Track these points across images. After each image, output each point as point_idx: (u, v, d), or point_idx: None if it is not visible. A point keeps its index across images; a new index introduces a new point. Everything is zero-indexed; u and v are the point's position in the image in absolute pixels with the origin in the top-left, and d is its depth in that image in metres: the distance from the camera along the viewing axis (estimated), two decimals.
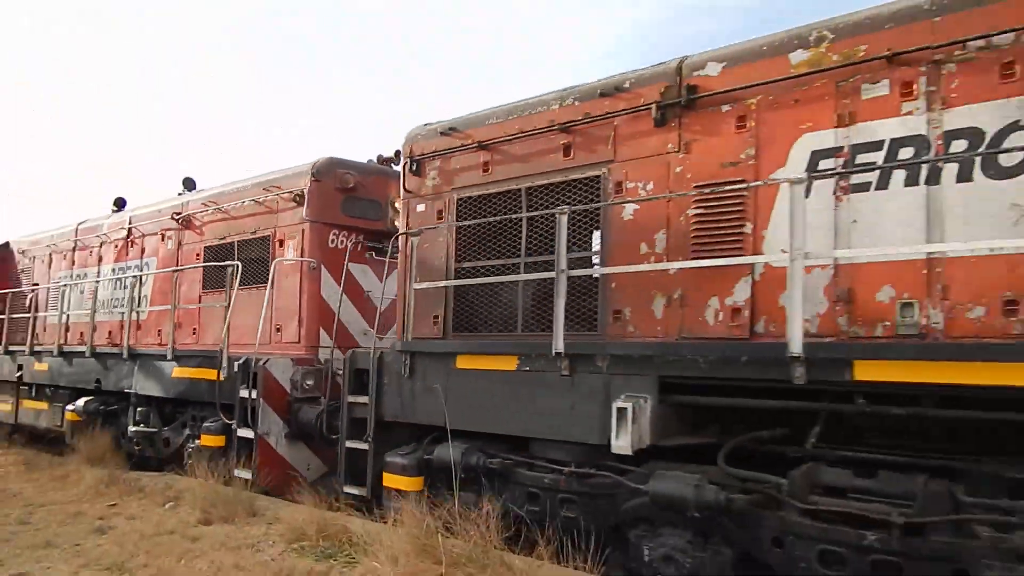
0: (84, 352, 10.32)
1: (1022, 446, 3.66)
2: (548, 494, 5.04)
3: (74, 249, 12.17)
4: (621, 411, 4.47)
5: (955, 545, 3.51)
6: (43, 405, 11.47)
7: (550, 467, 5.10)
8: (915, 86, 4.08)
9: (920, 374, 3.76)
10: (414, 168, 6.66)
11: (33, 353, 11.69)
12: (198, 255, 9.45)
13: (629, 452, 4.40)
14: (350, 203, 8.34)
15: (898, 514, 3.61)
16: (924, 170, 3.95)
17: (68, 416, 10.23)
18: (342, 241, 8.18)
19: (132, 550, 5.26)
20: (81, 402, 10.18)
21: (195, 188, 10.38)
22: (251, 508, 6.20)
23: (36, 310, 12.00)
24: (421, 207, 6.58)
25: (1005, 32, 3.76)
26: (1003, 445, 3.76)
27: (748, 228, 4.47)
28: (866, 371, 3.89)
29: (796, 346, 3.92)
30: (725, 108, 4.79)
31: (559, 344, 4.89)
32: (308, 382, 7.48)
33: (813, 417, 4.17)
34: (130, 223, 10.90)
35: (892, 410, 3.95)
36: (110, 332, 10.52)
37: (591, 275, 5.21)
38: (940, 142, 3.95)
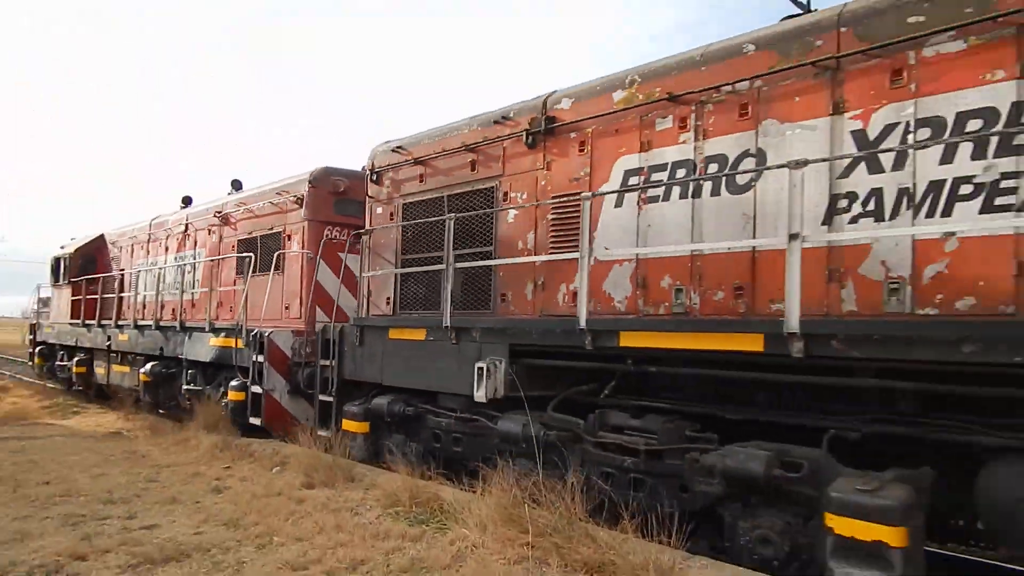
0: (151, 325, 12.55)
1: (747, 396, 5.07)
2: (445, 434, 6.82)
3: (148, 240, 14.56)
4: (480, 370, 6.06)
5: (677, 465, 4.91)
6: (126, 369, 13.76)
7: (447, 413, 6.79)
8: (688, 121, 5.39)
9: (661, 342, 5.11)
10: (374, 178, 8.35)
11: (118, 326, 13.96)
12: (233, 247, 11.36)
13: (484, 400, 6.03)
14: (342, 204, 9.93)
15: (644, 444, 5.08)
16: (691, 186, 5.25)
17: (141, 377, 12.30)
18: (336, 235, 9.57)
19: (245, 508, 5.71)
20: (148, 366, 12.25)
21: (241, 189, 12.29)
22: (349, 474, 6.57)
23: (121, 291, 14.67)
24: (379, 210, 8.28)
25: (742, 80, 5.06)
26: (733, 396, 5.14)
27: (583, 229, 5.54)
28: (627, 339, 5.30)
29: (582, 321, 5.40)
30: (572, 135, 6.25)
31: (447, 319, 6.56)
32: (306, 349, 9.13)
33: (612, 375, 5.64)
34: (187, 219, 13.15)
35: (649, 369, 5.38)
36: (172, 310, 12.59)
37: (490, 265, 6.65)
38: (702, 165, 5.25)
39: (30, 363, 19.75)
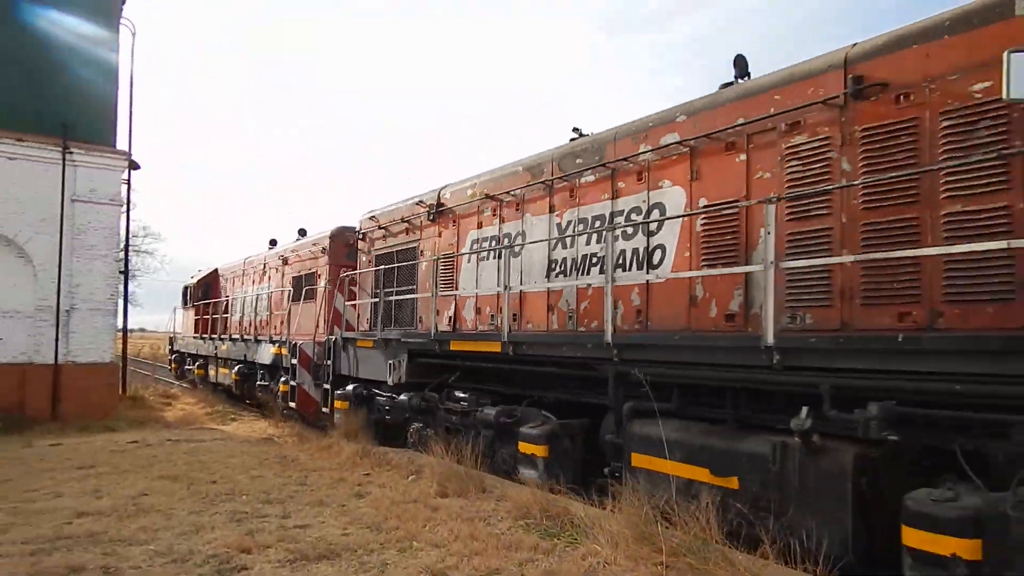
0: (240, 338, 17.85)
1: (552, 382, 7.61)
2: (381, 406, 10.38)
3: (243, 274, 20.07)
4: (390, 365, 9.76)
5: (476, 419, 8.08)
6: (226, 370, 18.92)
7: (383, 394, 10.44)
8: (497, 211, 8.83)
9: (463, 346, 8.58)
10: (361, 236, 12.54)
11: (221, 339, 19.33)
12: (289, 282, 16.21)
13: (392, 385, 9.81)
14: (352, 253, 13.47)
15: (460, 408, 8.58)
16: (497, 252, 8.45)
17: (233, 376, 17.86)
18: (347, 274, 12.79)
19: (385, 513, 6.05)
20: (237, 367, 17.71)
21: (305, 235, 16.73)
22: (481, 485, 6.77)
23: (224, 312, 20.34)
24: (364, 258, 12.43)
25: (516, 189, 8.60)
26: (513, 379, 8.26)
27: (453, 276, 9.50)
28: (454, 345, 8.69)
29: (433, 334, 8.89)
30: (450, 215, 9.87)
31: (378, 334, 10.38)
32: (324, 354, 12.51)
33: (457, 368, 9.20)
34: (265, 259, 18.33)
35: (479, 364, 8.64)
36: (253, 327, 17.72)
37: (412, 298, 10.39)
38: (504, 239, 8.59)
39: (168, 368, 27.02)
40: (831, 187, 4.97)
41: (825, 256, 4.91)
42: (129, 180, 14.34)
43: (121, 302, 14.61)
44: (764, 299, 4.90)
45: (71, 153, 13.05)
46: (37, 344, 12.84)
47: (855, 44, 5.10)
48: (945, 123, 4.39)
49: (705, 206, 6.05)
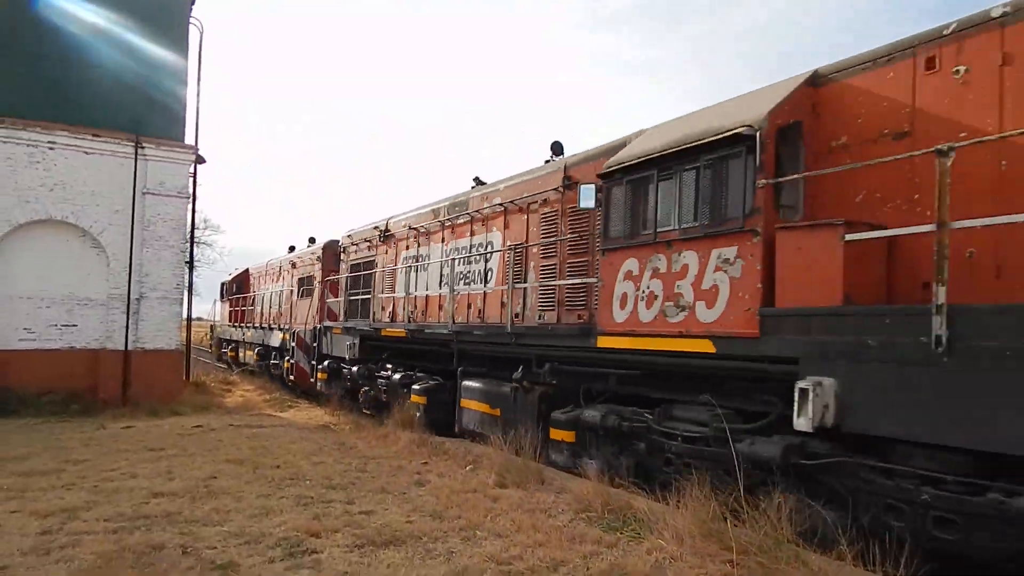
0: (259, 327, 22.42)
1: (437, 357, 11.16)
2: (345, 376, 14.17)
3: (266, 274, 23.93)
4: (348, 345, 13.84)
5: (391, 382, 12.09)
6: (251, 353, 22.97)
7: (346, 367, 14.06)
8: (417, 239, 12.33)
9: (389, 331, 12.43)
10: (341, 250, 15.96)
11: (248, 327, 24.10)
12: (295, 282, 19.80)
13: (348, 359, 13.90)
14: (337, 261, 16.45)
15: (385, 375, 12.53)
16: (415, 268, 12.01)
17: (254, 357, 22.12)
18: (331, 278, 16.52)
19: (446, 503, 6.11)
20: (256, 350, 22.04)
21: (314, 242, 19.94)
22: (540, 477, 6.78)
23: (251, 305, 24.81)
24: (343, 266, 15.66)
25: (423, 223, 12.33)
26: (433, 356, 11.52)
27: (392, 283, 12.92)
28: (386, 331, 12.50)
29: (371, 324, 13.23)
30: (392, 239, 13.24)
31: (342, 324, 14.62)
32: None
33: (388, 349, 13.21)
34: (281, 263, 21.99)
35: (400, 346, 12.59)
36: (271, 317, 21.77)
37: (366, 298, 13.82)
38: (423, 258, 12.03)
39: (209, 350, 32.58)
40: (555, 239, 8.43)
41: (552, 281, 8.30)
42: (195, 173, 14.82)
43: (186, 292, 15.10)
44: (512, 305, 8.85)
45: (142, 148, 13.57)
46: (109, 331, 13.42)
47: (572, 156, 8.71)
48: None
49: (509, 247, 9.19)
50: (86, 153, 13.23)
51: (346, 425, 11.74)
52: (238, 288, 27.09)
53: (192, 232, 15.63)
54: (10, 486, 6.58)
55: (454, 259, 10.52)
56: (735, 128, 5.67)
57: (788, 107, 5.79)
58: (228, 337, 27.43)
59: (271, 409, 14.60)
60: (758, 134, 5.51)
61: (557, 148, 9.63)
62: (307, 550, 4.83)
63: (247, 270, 27.09)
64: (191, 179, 14.70)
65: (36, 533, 5.14)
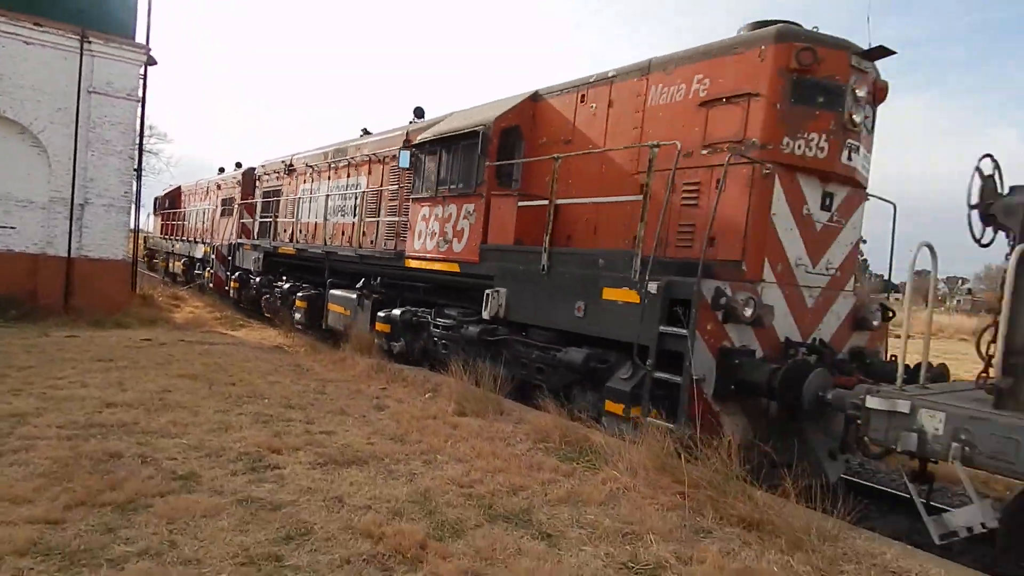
0: (187, 240, 25.54)
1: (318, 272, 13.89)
2: (252, 286, 17.05)
3: (194, 193, 26.93)
4: (253, 259, 16.85)
5: (282, 291, 14.97)
6: (179, 264, 26.08)
7: (252, 277, 17.11)
8: (310, 176, 15.26)
9: (283, 251, 15.26)
10: (257, 177, 18.71)
11: (176, 240, 27.34)
12: (219, 202, 21.82)
13: (253, 271, 16.97)
14: (254, 186, 19.06)
15: (279, 285, 15.24)
16: (306, 199, 15.32)
17: (181, 267, 25.53)
18: (246, 201, 19.27)
19: (406, 427, 6.20)
20: (182, 261, 25.44)
21: (240, 167, 21.30)
22: (499, 407, 6.93)
23: (182, 220, 27.37)
24: (257, 192, 18.41)
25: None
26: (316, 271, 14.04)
27: (293, 210, 15.74)
28: (280, 250, 15.49)
29: (270, 243, 16.21)
30: (294, 173, 16.06)
31: (251, 241, 17.52)
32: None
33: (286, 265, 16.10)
34: (208, 183, 24.50)
35: (292, 261, 15.45)
36: (198, 232, 24.35)
37: (273, 221, 16.75)
38: (311, 191, 15.17)
39: (142, 260, 32.20)
40: (390, 188, 11.46)
41: (385, 218, 11.47)
42: (145, 75, 13.96)
43: (134, 201, 14.44)
44: (366, 235, 11.81)
45: (89, 43, 12.67)
46: (50, 236, 12.82)
47: (414, 123, 11.27)
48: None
49: (366, 190, 12.11)
50: (26, 43, 12.28)
51: (300, 347, 11.68)
52: (171, 204, 30.00)
53: (141, 139, 14.83)
54: None
55: (330, 195, 13.57)
56: (474, 127, 8.66)
57: (511, 115, 8.75)
58: (159, 248, 31.45)
59: (222, 327, 14.36)
60: (486, 132, 8.49)
61: (419, 112, 11.77)
62: (269, 465, 4.86)
63: (179, 187, 30.25)
64: (141, 80, 13.86)
65: None
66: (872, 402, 4.54)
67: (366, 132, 13.53)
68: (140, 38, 13.63)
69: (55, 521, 3.64)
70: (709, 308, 5.65)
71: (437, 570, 3.37)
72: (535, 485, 4.81)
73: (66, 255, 12.88)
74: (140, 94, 13.76)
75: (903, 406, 4.37)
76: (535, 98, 8.84)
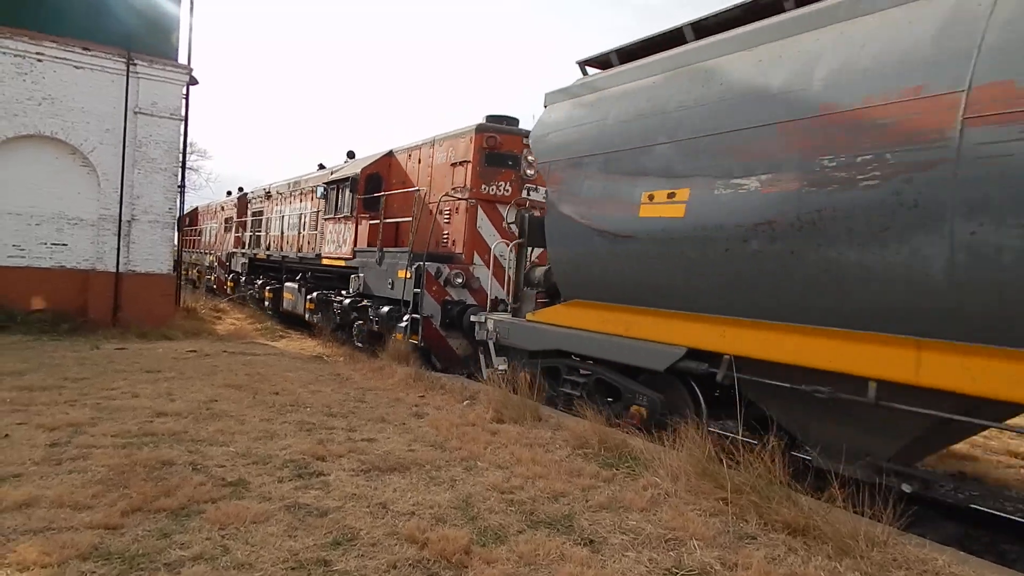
0: (201, 252, 31.02)
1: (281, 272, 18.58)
2: (240, 283, 21.82)
3: (207, 212, 31.96)
4: (242, 264, 21.77)
5: (257, 287, 19.98)
6: (194, 271, 30.58)
7: (241, 278, 21.96)
8: (281, 200, 19.50)
9: (260, 256, 20.11)
10: (248, 201, 23.16)
11: (194, 252, 32.18)
12: (223, 220, 26.67)
13: (239, 272, 21.96)
14: (247, 209, 23.30)
15: (255, 284, 20.09)
16: (278, 218, 19.83)
17: (197, 274, 29.65)
18: (240, 219, 23.87)
19: (446, 434, 6.27)
20: (195, 270, 30.59)
21: (242, 191, 25.28)
22: (537, 414, 6.95)
23: (197, 236, 32.91)
24: (248, 212, 22.70)
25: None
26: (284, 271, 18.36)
27: (269, 227, 20.13)
28: (258, 256, 20.17)
29: (250, 251, 21.18)
30: (271, 198, 20.45)
31: (239, 251, 22.69)
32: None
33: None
34: (215, 206, 29.95)
35: (268, 264, 19.69)
36: (208, 246, 29.68)
37: (255, 235, 21.76)
38: (281, 211, 19.54)
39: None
40: (316, 211, 15.92)
41: (313, 231, 16.09)
42: (188, 95, 14.40)
43: (178, 216, 14.89)
44: (309, 244, 16.14)
45: (135, 65, 13.14)
46: (100, 252, 13.29)
47: (335, 166, 16.07)
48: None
49: (308, 212, 16.24)
50: (76, 67, 12.80)
51: (339, 357, 11.87)
52: (190, 221, 34.09)
53: (184, 156, 15.31)
54: (13, 400, 6.64)
55: (287, 216, 18.10)
56: (350, 175, 13.34)
57: (373, 167, 13.35)
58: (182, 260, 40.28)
59: (262, 338, 14.68)
60: (355, 178, 13.11)
61: (350, 155, 15.77)
62: (314, 472, 4.97)
63: (196, 208, 35.21)
64: (184, 100, 14.31)
65: (45, 445, 5.22)
66: (478, 318, 9.12)
67: (321, 167, 17.39)
68: (182, 59, 14.09)
69: (114, 526, 3.79)
70: (433, 278, 10.38)
71: (482, 575, 3.41)
72: (576, 491, 4.82)
73: (114, 270, 13.33)
74: (183, 113, 14.19)
75: (482, 319, 8.95)
76: (390, 155, 13.50)
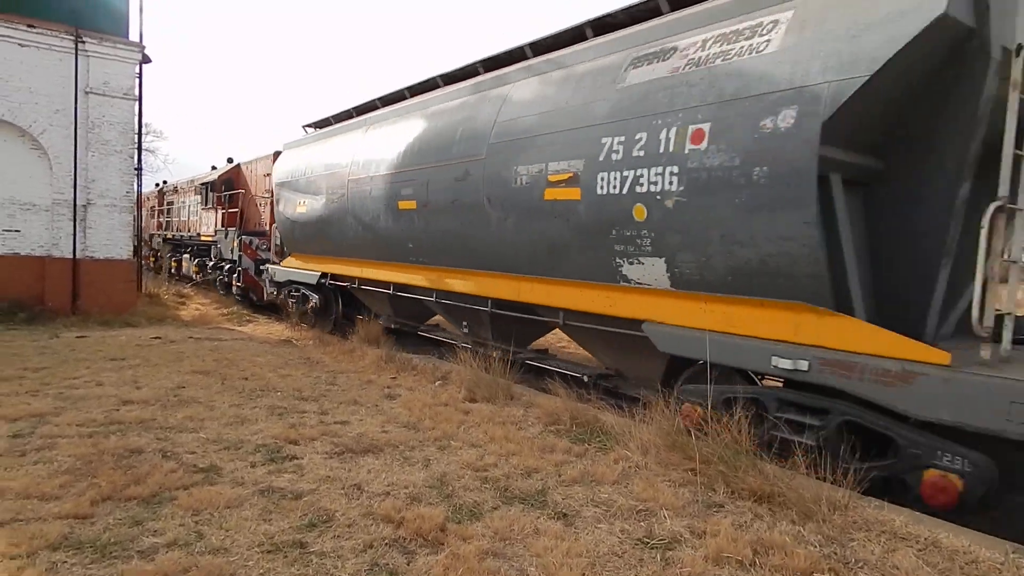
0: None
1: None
2: (160, 258, 28.36)
3: (147, 200, 32.26)
4: (159, 243, 28.96)
5: (170, 258, 26.29)
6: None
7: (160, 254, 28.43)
8: (187, 194, 24.78)
9: (168, 235, 27.30)
10: (164, 193, 29.31)
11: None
12: (151, 208, 31.04)
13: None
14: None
15: (166, 256, 26.73)
16: (183, 207, 26.41)
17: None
18: (158, 207, 30.79)
19: (419, 415, 6.29)
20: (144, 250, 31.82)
21: (167, 183, 30.32)
22: (509, 392, 7.01)
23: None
24: (165, 201, 28.64)
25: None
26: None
27: (179, 214, 26.27)
28: (167, 237, 27.22)
29: (164, 233, 28.13)
30: (177, 192, 26.62)
31: (160, 233, 29.15)
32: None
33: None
34: (147, 195, 30.99)
35: (173, 242, 26.63)
36: (148, 229, 30.78)
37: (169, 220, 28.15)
38: (184, 201, 25.50)
39: None
40: (199, 202, 21.89)
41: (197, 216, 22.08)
42: (141, 74, 13.95)
43: (136, 200, 14.47)
44: (195, 226, 22.76)
45: (83, 43, 12.66)
46: (55, 238, 12.89)
47: (216, 169, 21.57)
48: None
49: (195, 202, 22.09)
50: (21, 45, 12.27)
51: (309, 340, 11.75)
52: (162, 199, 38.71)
53: (140, 138, 14.83)
54: None
55: (185, 205, 23.49)
56: (210, 178, 19.90)
57: (226, 174, 19.13)
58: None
59: (228, 323, 14.44)
60: (214, 181, 19.33)
61: (230, 160, 20.30)
62: (287, 456, 4.96)
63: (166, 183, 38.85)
64: (137, 79, 13.85)
65: (8, 436, 5.11)
66: (265, 268, 15.08)
67: (213, 167, 21.98)
68: (133, 36, 13.61)
69: (83, 516, 3.74)
70: (248, 245, 16.41)
71: (458, 551, 3.46)
72: (548, 467, 4.89)
73: (71, 256, 12.95)
74: (137, 93, 13.75)
75: (267, 268, 14.77)
76: (237, 166, 18.97)
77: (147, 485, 4.17)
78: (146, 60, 14.10)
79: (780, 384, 5.44)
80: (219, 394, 6.85)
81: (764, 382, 5.82)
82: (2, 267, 12.45)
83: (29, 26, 12.26)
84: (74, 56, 12.66)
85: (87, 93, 12.84)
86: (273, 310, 15.72)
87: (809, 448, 4.60)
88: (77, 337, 10.59)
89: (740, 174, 4.93)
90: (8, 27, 12.11)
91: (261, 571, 3.22)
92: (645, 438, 5.18)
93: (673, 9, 6.21)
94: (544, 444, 5.43)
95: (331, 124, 12.72)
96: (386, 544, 3.56)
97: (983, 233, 4.12)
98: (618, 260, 6.01)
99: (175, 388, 7.00)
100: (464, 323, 8.91)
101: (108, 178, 13.22)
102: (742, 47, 5.13)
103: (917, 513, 4.13)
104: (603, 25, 6.95)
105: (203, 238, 20.39)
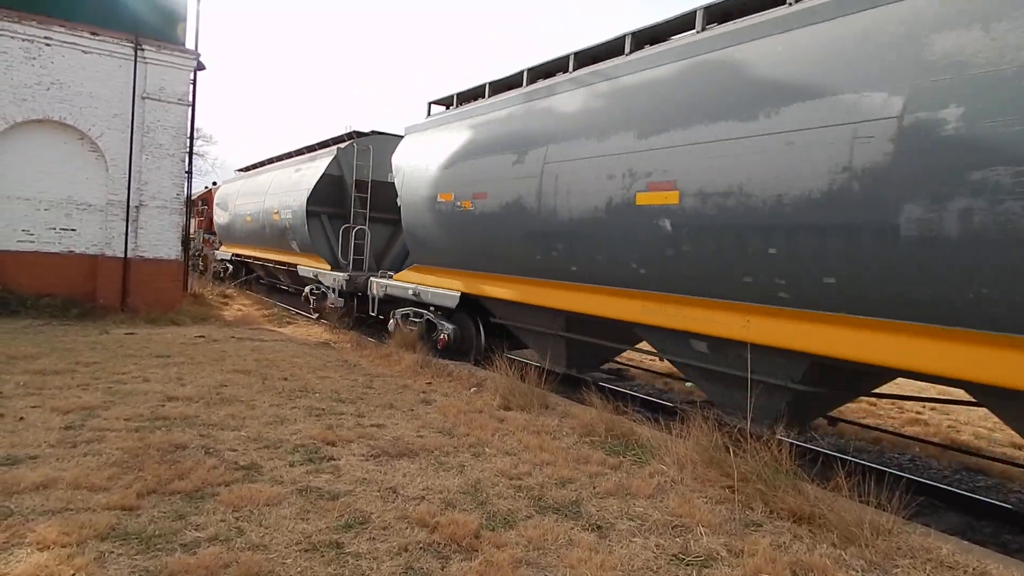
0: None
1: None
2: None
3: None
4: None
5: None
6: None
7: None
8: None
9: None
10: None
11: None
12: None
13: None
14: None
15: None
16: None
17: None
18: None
19: (454, 421, 6.33)
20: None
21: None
22: (544, 401, 7.01)
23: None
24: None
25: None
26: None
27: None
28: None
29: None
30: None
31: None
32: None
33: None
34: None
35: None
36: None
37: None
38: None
39: None
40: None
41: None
42: (195, 80, 14.40)
43: (186, 202, 14.93)
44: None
45: (142, 50, 13.14)
46: (108, 237, 13.35)
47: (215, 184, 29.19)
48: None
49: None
50: (84, 52, 12.80)
51: (347, 343, 11.93)
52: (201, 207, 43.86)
53: (191, 142, 15.31)
54: (27, 383, 6.72)
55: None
56: (195, 197, 23.84)
57: (204, 195, 28.36)
58: None
59: (270, 324, 14.74)
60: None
61: (214, 183, 25.85)
62: (325, 457, 5.04)
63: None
64: (191, 86, 14.30)
65: (60, 428, 5.30)
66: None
67: (214, 183, 27.47)
68: (189, 44, 14.07)
69: (130, 508, 3.86)
70: (207, 240, 26.72)
71: (492, 558, 3.47)
72: (583, 478, 4.87)
73: (123, 256, 13.39)
74: (190, 99, 14.20)
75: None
76: (212, 191, 25.07)
77: (190, 480, 4.29)
78: (200, 67, 14.56)
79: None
80: (260, 393, 6.99)
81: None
82: (58, 264, 12.94)
83: (92, 33, 12.78)
84: (133, 63, 13.14)
85: (144, 98, 13.30)
86: (313, 313, 16.00)
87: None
88: (126, 334, 10.94)
89: None
90: (73, 35, 12.64)
91: (299, 569, 3.28)
92: (682, 453, 5.13)
93: None
94: (579, 455, 5.41)
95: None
96: (420, 548, 3.58)
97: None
98: None
99: (217, 386, 7.17)
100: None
101: (160, 180, 13.66)
102: None
103: (965, 543, 3.99)
104: None
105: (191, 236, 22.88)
